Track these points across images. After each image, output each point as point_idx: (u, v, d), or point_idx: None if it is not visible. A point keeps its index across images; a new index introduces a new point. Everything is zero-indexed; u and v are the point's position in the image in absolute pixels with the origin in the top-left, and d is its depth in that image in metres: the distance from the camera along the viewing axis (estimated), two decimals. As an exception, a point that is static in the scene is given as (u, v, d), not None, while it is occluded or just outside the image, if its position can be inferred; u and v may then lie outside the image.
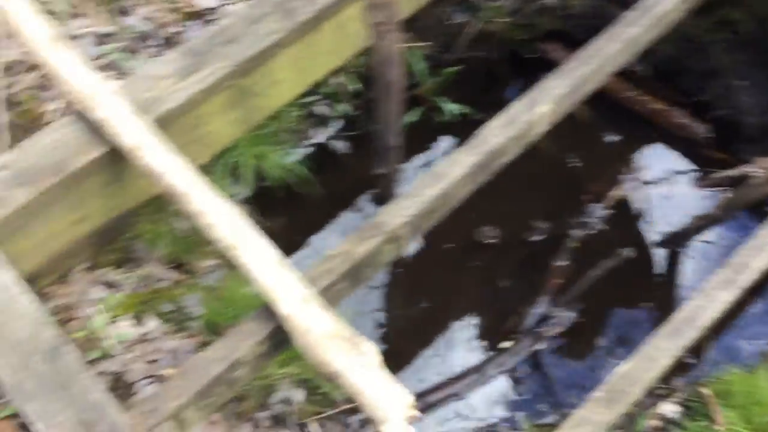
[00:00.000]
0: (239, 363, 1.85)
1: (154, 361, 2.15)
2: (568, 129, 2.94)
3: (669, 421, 2.27)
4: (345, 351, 1.74)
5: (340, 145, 3.00)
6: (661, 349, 1.92)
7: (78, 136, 2.04)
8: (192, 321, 2.25)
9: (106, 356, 2.12)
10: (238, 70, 2.20)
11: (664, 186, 2.94)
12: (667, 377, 2.39)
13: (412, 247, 2.79)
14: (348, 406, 2.29)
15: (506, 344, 2.59)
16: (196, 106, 2.18)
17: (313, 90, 2.80)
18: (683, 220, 2.87)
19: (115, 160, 2.06)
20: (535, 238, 2.80)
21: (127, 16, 2.65)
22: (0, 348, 1.79)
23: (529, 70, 3.09)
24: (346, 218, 2.88)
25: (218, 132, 2.33)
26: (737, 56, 2.99)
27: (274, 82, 2.36)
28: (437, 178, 2.11)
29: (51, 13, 2.59)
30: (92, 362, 2.10)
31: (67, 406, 1.73)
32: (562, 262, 2.73)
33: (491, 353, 2.59)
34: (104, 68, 2.52)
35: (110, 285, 2.26)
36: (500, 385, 2.55)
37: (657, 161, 2.99)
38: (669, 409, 2.25)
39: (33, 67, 2.52)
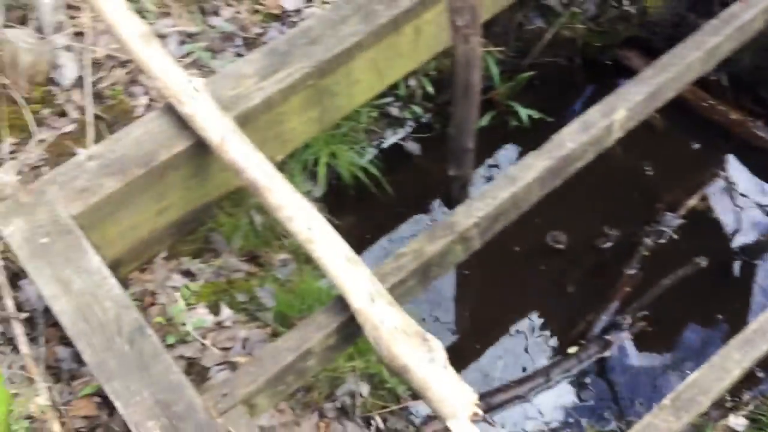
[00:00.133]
0: (310, 353, 1.91)
1: (228, 348, 2.23)
2: (644, 137, 2.92)
3: (735, 434, 2.24)
4: (414, 346, 1.77)
5: (412, 147, 3.04)
6: (733, 359, 1.89)
7: (166, 129, 2.13)
8: (264, 312, 2.32)
9: (182, 342, 2.21)
10: (318, 70, 2.26)
11: (740, 196, 2.89)
12: (736, 390, 2.36)
13: (483, 248, 2.80)
14: (412, 402, 2.33)
15: (573, 350, 2.59)
16: (277, 105, 2.25)
17: (388, 92, 2.85)
18: (759, 231, 2.81)
19: (200, 153, 2.15)
20: (606, 245, 2.79)
21: (211, 16, 2.75)
22: (85, 329, 1.89)
23: (604, 76, 3.08)
24: (415, 219, 2.91)
25: (296, 130, 2.40)
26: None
27: (352, 82, 2.42)
28: (510, 181, 2.13)
29: (140, 12, 2.70)
30: (170, 347, 2.18)
31: (146, 386, 1.81)
32: (632, 270, 2.70)
33: (557, 358, 2.59)
34: (188, 66, 2.62)
35: (188, 274, 2.35)
36: (565, 390, 2.55)
37: (734, 171, 2.93)
38: (736, 422, 2.21)
39: (122, 63, 2.64)
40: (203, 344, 2.21)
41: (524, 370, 2.59)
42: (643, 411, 1.92)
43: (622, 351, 2.59)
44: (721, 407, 2.32)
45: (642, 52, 3.09)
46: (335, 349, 1.99)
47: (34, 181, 2.12)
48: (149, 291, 2.29)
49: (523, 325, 2.68)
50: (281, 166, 2.54)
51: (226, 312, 2.28)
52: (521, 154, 2.99)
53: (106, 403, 2.09)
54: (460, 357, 2.59)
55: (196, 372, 2.17)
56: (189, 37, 2.71)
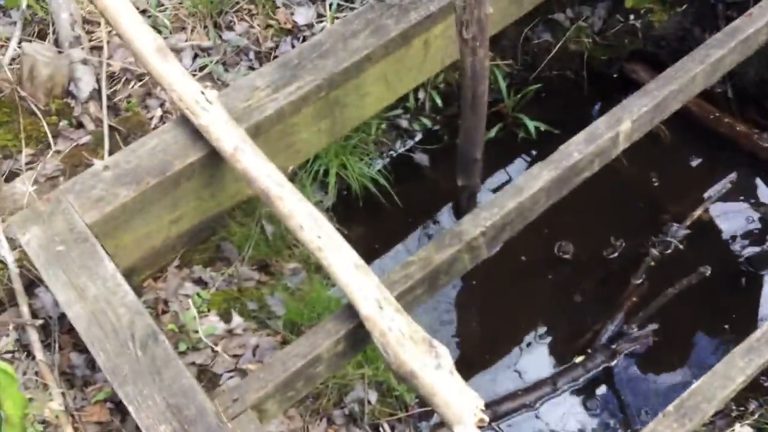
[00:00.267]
0: (319, 359, 1.94)
1: (238, 355, 2.26)
2: (651, 149, 2.95)
3: (742, 443, 2.25)
4: (421, 353, 1.80)
5: (421, 158, 3.07)
6: (736, 367, 1.91)
7: (179, 140, 2.18)
8: (274, 320, 2.35)
9: (194, 349, 2.24)
10: (329, 82, 2.30)
11: (747, 208, 2.91)
12: (742, 399, 2.37)
13: (490, 257, 2.83)
14: (420, 410, 2.35)
15: (580, 359, 2.60)
16: (288, 116, 2.30)
17: (397, 104, 2.90)
18: (765, 243, 2.82)
19: (213, 163, 2.20)
20: (613, 255, 2.81)
21: (225, 31, 2.80)
22: (99, 334, 1.93)
23: (611, 90, 3.11)
24: (423, 230, 2.94)
25: (307, 141, 2.44)
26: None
27: (362, 95, 2.46)
28: (517, 191, 2.16)
29: (155, 27, 2.76)
30: (182, 354, 2.22)
31: (158, 391, 1.85)
32: (639, 281, 2.73)
33: (564, 367, 2.61)
34: (202, 79, 2.67)
35: (200, 282, 2.39)
36: (572, 398, 2.56)
37: (740, 183, 2.95)
38: (742, 431, 2.23)
39: (137, 77, 2.70)
40: (214, 351, 2.24)
41: (531, 378, 2.60)
42: (649, 420, 1.92)
43: (629, 360, 2.61)
44: (727, 416, 2.33)
45: (648, 65, 3.11)
46: (344, 356, 2.02)
47: (51, 191, 2.17)
48: (162, 299, 2.33)
49: (530, 334, 2.69)
50: (292, 177, 2.59)
51: (237, 320, 2.31)
52: (529, 166, 3.02)
53: (119, 409, 2.13)
54: (468, 365, 2.59)
55: (208, 379, 2.21)
56: (203, 51, 2.77)
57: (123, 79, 2.70)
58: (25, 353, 2.20)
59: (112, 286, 1.99)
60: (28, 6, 2.76)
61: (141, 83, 2.68)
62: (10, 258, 2.26)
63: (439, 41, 2.53)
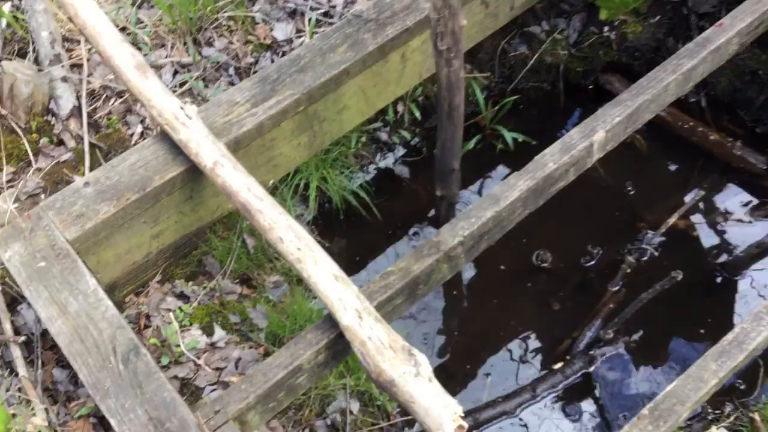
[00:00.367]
0: (300, 370, 1.96)
1: (221, 368, 2.27)
2: (627, 158, 3.00)
3: (718, 446, 2.29)
4: (400, 361, 1.82)
5: (401, 170, 3.11)
6: (709, 370, 1.94)
7: (160, 155, 2.20)
8: (256, 332, 2.37)
9: (176, 362, 2.26)
10: (308, 97, 2.33)
11: (721, 215, 2.96)
12: (718, 402, 2.41)
13: (469, 267, 2.86)
14: (402, 419, 2.37)
15: (558, 365, 2.64)
16: (268, 130, 2.32)
17: (376, 117, 2.93)
18: (739, 249, 2.87)
19: (193, 178, 2.22)
20: (590, 263, 2.85)
21: (205, 47, 2.83)
22: (81, 349, 1.94)
23: (587, 101, 3.16)
24: (403, 241, 2.97)
25: (287, 155, 2.47)
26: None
27: (341, 109, 2.49)
28: (494, 201, 2.19)
29: (135, 44, 2.78)
30: (164, 368, 2.23)
31: (140, 404, 1.86)
32: (616, 288, 2.77)
33: (543, 373, 2.64)
34: (182, 95, 2.69)
35: (182, 296, 2.41)
36: (552, 405, 2.59)
37: (714, 191, 3.00)
38: (718, 433, 2.27)
39: (117, 94, 2.71)
40: (197, 364, 2.26)
41: (511, 386, 2.63)
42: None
43: (607, 366, 2.64)
44: (704, 419, 2.37)
45: (623, 76, 3.17)
46: (325, 366, 2.04)
47: (32, 208, 2.18)
48: (144, 313, 2.35)
49: (509, 342, 2.72)
50: (273, 191, 2.62)
51: (219, 333, 2.33)
52: (507, 176, 3.05)
53: (102, 424, 2.14)
54: (448, 373, 2.63)
55: (190, 392, 2.22)
56: (183, 67, 2.79)
57: (103, 96, 2.71)
58: (8, 370, 2.21)
59: (94, 302, 2.01)
60: (8, 25, 2.78)
61: (121, 100, 2.70)
62: (-9, 275, 2.27)
63: (416, 55, 2.57)
